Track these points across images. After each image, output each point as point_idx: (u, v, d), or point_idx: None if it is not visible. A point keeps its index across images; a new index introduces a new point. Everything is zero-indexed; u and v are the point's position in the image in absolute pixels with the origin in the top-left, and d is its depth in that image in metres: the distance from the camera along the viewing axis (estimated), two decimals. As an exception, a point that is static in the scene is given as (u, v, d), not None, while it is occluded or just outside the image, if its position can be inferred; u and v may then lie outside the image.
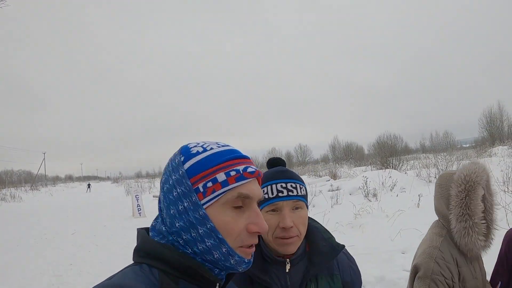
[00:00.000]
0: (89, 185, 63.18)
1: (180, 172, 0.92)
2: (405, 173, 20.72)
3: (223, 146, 0.98)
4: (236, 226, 0.89)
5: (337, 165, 41.80)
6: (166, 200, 0.93)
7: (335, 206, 13.45)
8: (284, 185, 1.41)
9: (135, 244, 0.95)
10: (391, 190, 15.10)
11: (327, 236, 1.53)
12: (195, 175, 0.91)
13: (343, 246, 1.51)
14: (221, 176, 0.90)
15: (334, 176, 26.89)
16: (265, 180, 1.42)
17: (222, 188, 0.89)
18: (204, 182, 0.90)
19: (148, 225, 1.01)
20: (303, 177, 21.90)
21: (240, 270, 0.92)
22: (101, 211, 21.22)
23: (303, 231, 1.40)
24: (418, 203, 10.95)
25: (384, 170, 20.34)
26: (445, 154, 21.89)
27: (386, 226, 8.90)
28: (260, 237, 1.40)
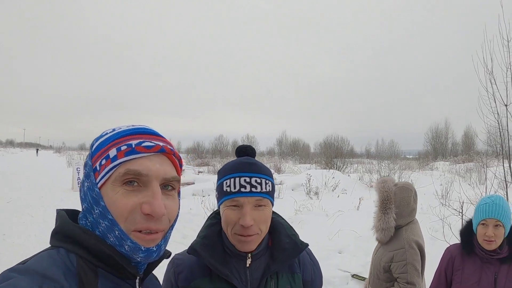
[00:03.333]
0: (37, 150, 70.07)
1: (88, 153, 0.91)
2: (348, 175, 21.35)
3: (136, 126, 0.92)
4: (124, 205, 0.81)
5: (282, 160, 42.15)
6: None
7: (277, 200, 13.55)
8: (247, 179, 1.31)
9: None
10: (333, 190, 15.57)
11: (291, 233, 1.48)
12: (95, 155, 0.88)
13: (307, 244, 1.46)
14: (112, 152, 0.85)
15: (278, 170, 27.32)
16: (228, 172, 1.35)
17: (111, 163, 0.84)
18: (100, 159, 0.86)
19: None
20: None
21: (139, 259, 0.84)
22: (40, 181, 20.15)
23: (265, 229, 1.34)
24: (358, 206, 11.32)
25: (328, 170, 20.72)
26: (388, 162, 22.68)
27: (325, 225, 9.14)
28: (221, 229, 1.43)
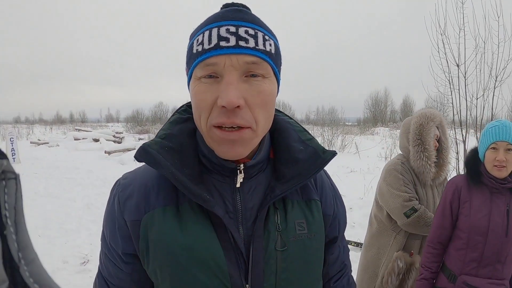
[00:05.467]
0: None
1: None
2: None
3: None
4: None
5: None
6: None
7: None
8: (232, 29, 0.75)
9: None
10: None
11: (306, 138, 0.94)
12: None
13: (334, 152, 0.91)
14: None
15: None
16: (202, 25, 0.80)
17: None
18: None
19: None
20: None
21: None
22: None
23: (263, 121, 0.79)
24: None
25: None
26: (329, 128, 23.23)
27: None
28: (195, 129, 0.90)
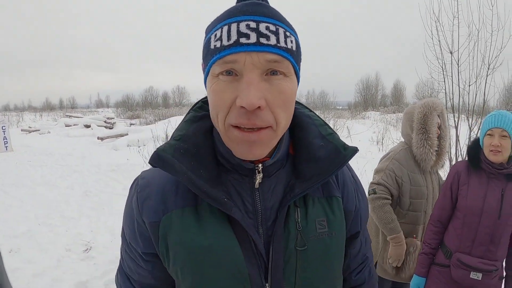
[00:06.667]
0: None
1: None
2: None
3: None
4: None
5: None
6: None
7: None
8: (252, 24, 0.71)
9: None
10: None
11: (327, 132, 0.90)
12: None
13: (355, 148, 0.87)
14: None
15: (211, 120, 26.97)
16: (220, 19, 0.76)
17: None
18: None
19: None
20: (181, 118, 21.12)
21: None
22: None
23: (284, 120, 0.76)
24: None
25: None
26: (320, 112, 23.38)
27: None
28: (212, 127, 0.88)
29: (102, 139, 16.61)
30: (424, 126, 2.46)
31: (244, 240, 0.81)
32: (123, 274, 0.94)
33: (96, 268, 4.19)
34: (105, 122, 23.74)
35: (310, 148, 0.87)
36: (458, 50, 5.89)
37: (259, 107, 0.70)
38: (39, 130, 21.91)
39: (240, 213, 0.80)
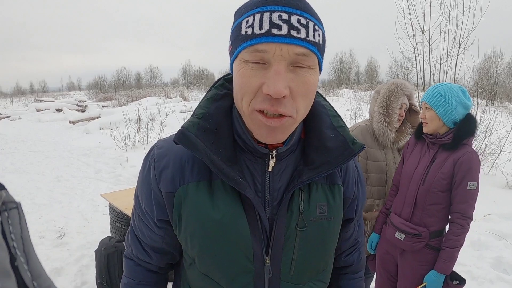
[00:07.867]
0: None
1: None
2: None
3: None
4: None
5: (188, 89, 41.70)
6: None
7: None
8: (285, 16, 0.72)
9: None
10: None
11: (338, 124, 0.94)
12: None
13: (362, 145, 0.91)
14: None
15: (186, 99, 26.81)
16: (252, 5, 0.76)
17: None
18: None
19: None
20: (152, 99, 20.87)
21: None
22: None
23: (304, 110, 0.80)
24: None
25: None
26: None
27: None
28: (233, 106, 0.92)
29: (74, 122, 16.24)
30: (386, 102, 2.48)
31: (252, 217, 0.87)
32: (134, 237, 1.02)
33: (70, 253, 4.13)
34: (77, 105, 23.21)
35: (321, 137, 0.91)
36: (429, 29, 5.96)
37: (283, 96, 0.73)
38: (9, 117, 21.21)
39: (252, 192, 0.86)
